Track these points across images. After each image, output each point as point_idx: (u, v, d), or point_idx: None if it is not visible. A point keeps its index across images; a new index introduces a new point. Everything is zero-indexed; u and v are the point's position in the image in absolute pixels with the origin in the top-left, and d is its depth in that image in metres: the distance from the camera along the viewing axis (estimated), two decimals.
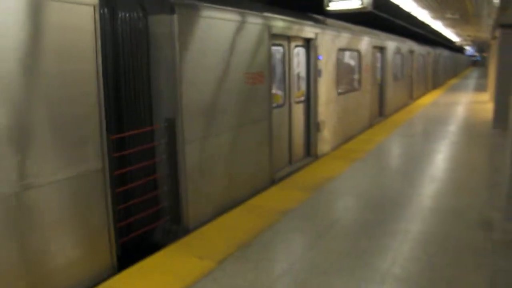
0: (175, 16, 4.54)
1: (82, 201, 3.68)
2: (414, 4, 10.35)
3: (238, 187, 5.79)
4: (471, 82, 32.59)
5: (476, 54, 58.91)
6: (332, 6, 8.27)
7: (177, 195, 4.83)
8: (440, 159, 8.19)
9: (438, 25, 16.53)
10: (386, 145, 9.63)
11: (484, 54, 45.73)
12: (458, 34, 22.45)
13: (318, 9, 8.25)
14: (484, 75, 39.28)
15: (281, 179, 6.85)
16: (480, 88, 25.48)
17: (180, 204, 4.84)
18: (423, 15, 12.49)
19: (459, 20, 13.31)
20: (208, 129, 5.17)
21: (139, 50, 4.52)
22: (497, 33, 11.80)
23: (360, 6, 8.30)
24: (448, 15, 11.70)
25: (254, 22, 6.04)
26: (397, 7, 10.39)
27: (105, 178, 3.84)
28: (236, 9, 5.72)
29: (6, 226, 3.12)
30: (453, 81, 34.00)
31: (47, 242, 3.42)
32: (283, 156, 7.34)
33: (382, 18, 13.55)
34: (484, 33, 18.53)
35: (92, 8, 3.62)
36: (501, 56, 11.37)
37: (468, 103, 17.92)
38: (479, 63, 70.90)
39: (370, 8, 8.51)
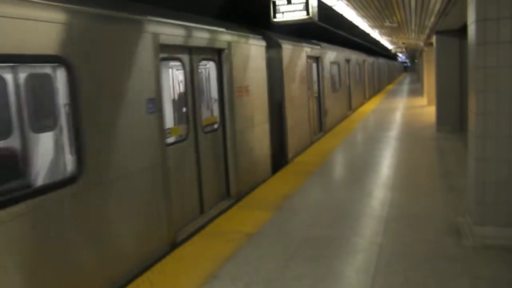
0: (282, 48, 8.71)
1: (264, 137, 7.83)
2: (355, 13, 10.48)
3: (301, 141, 9.96)
4: (406, 87, 34.03)
5: (407, 60, 61.77)
6: (279, 18, 8.17)
7: (283, 140, 8.84)
8: (394, 165, 8.24)
9: (375, 34, 17.01)
10: (349, 144, 9.65)
11: (416, 60, 48.02)
12: (392, 42, 23.30)
13: (266, 21, 8.13)
14: (416, 80, 41.25)
15: (316, 141, 11.33)
16: (417, 93, 26.59)
17: (286, 146, 8.88)
18: (362, 24, 12.73)
19: (396, 28, 13.70)
20: (291, 107, 9.21)
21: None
22: (433, 39, 12.24)
23: (306, 17, 8.26)
24: (387, 24, 11.98)
25: (302, 49, 10.35)
26: (340, 17, 10.49)
27: (269, 128, 8.03)
28: (296, 42, 10.02)
29: (242, 144, 6.82)
30: (391, 87, 35.36)
31: (255, 155, 7.38)
32: (312, 128, 11.29)
33: (326, 30, 13.79)
34: (418, 40, 19.31)
35: (265, 47, 8.04)
36: (439, 61, 11.79)
37: (409, 107, 18.56)
38: (409, 69, 75.10)
39: (316, 19, 8.50)
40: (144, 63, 4.39)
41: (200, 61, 5.86)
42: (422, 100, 20.63)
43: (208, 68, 6.62)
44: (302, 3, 7.97)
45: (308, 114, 10.70)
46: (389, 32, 15.97)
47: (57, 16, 3.38)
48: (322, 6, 8.63)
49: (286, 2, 8.03)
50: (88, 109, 3.64)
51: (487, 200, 4.46)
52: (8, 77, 4.27)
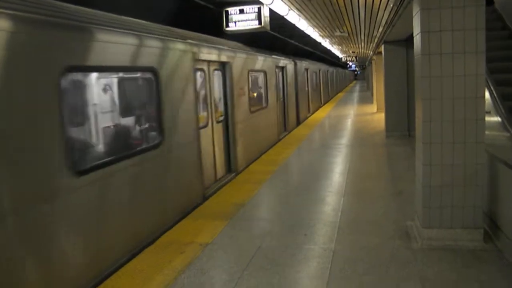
0: (296, 64, 15.81)
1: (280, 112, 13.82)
2: (306, 23, 10.68)
3: (291, 123, 15.10)
4: (357, 95, 35.01)
5: (357, 69, 63.60)
6: (231, 27, 8.23)
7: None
8: (346, 171, 8.42)
9: (326, 44, 17.41)
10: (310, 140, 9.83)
11: (365, 69, 49.50)
12: (343, 51, 23.93)
13: (218, 30, 8.15)
14: (366, 88, 42.48)
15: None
16: (366, 100, 27.40)
17: (287, 120, 14.59)
18: (314, 33, 13.00)
19: (346, 38, 14.09)
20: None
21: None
22: (382, 48, 12.68)
23: (258, 26, 8.37)
24: (338, 33, 12.30)
25: (302, 64, 17.19)
26: (293, 27, 10.65)
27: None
28: (299, 59, 17.10)
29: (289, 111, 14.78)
30: (342, 94, 36.23)
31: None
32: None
33: (279, 39, 14.00)
34: (367, 49, 19.94)
35: (294, 64, 15.49)
36: (387, 70, 12.22)
37: (359, 114, 19.10)
38: (359, 76, 77.61)
39: (268, 29, 8.61)
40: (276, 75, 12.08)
41: (280, 71, 12.98)
42: (372, 107, 21.28)
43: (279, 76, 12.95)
44: (254, 12, 8.08)
45: (307, 102, 18.28)
46: (340, 41, 16.41)
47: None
48: (274, 16, 8.76)
49: (238, 12, 8.11)
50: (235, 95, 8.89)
51: (433, 203, 4.65)
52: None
